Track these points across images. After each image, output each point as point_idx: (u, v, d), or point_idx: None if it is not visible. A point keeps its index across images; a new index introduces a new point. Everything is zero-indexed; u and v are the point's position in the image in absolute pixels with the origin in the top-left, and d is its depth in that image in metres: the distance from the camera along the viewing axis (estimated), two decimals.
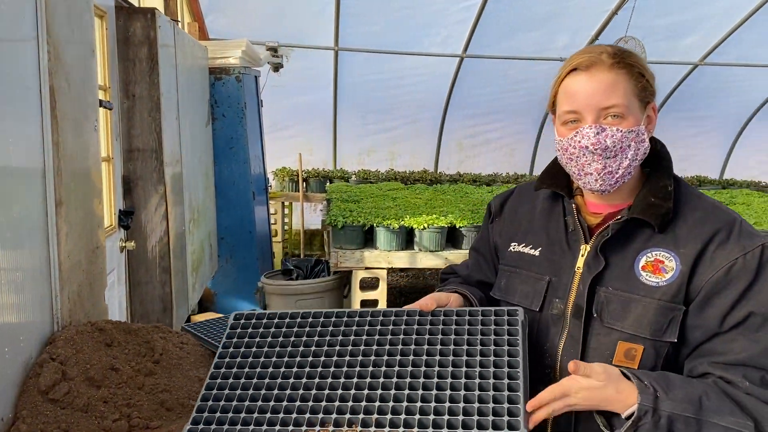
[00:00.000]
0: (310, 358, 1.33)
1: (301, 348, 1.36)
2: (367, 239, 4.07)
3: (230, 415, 1.28)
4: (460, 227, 3.92)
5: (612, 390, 1.10)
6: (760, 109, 8.56)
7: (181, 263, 3.56)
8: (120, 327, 1.85)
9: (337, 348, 1.33)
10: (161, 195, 3.26)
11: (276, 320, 1.49)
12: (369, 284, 4.00)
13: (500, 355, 1.21)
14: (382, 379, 1.23)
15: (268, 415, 1.24)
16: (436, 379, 1.20)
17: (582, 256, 1.30)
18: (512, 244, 1.47)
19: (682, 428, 1.08)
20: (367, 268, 3.85)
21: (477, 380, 1.17)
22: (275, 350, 1.39)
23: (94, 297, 2.04)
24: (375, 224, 3.88)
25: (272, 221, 6.90)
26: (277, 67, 6.73)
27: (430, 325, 1.33)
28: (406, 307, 1.40)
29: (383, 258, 3.85)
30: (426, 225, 3.81)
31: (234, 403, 1.31)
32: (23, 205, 1.54)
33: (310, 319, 1.44)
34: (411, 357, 1.27)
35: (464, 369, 1.20)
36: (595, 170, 1.24)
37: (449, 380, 1.19)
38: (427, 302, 1.37)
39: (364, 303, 3.91)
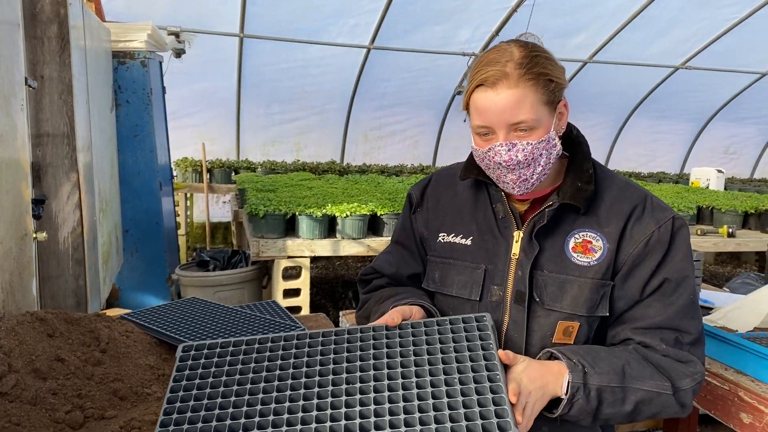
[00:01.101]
0: (275, 383, 1.23)
1: (264, 373, 1.26)
2: (288, 228, 4.04)
3: None
4: (381, 215, 3.99)
5: (550, 375, 1.17)
6: (639, 105, 9.27)
7: (94, 255, 3.38)
8: (61, 316, 1.76)
9: (304, 369, 1.24)
10: (74, 183, 3.07)
11: (230, 348, 1.37)
12: (291, 274, 3.98)
13: (476, 360, 1.19)
14: (358, 396, 1.15)
15: None
16: (416, 390, 1.15)
17: (516, 242, 1.34)
18: (441, 234, 1.47)
19: (609, 398, 1.16)
20: (289, 257, 3.83)
21: (458, 386, 1.14)
22: (234, 378, 1.28)
23: (23, 287, 1.92)
24: (297, 213, 3.86)
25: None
26: (179, 53, 6.47)
27: (400, 338, 1.28)
28: (372, 324, 1.34)
29: (306, 246, 3.85)
30: (348, 213, 3.84)
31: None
32: None
33: (269, 344, 1.34)
34: (386, 371, 1.20)
35: (443, 377, 1.16)
36: (510, 180, 1.28)
37: (430, 389, 1.15)
38: (393, 316, 1.31)
39: (287, 292, 3.89)
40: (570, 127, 1.38)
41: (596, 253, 1.27)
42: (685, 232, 1.27)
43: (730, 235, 4.84)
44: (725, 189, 6.99)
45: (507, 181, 1.29)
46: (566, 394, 1.15)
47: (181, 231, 7.15)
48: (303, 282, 3.87)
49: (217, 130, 8.03)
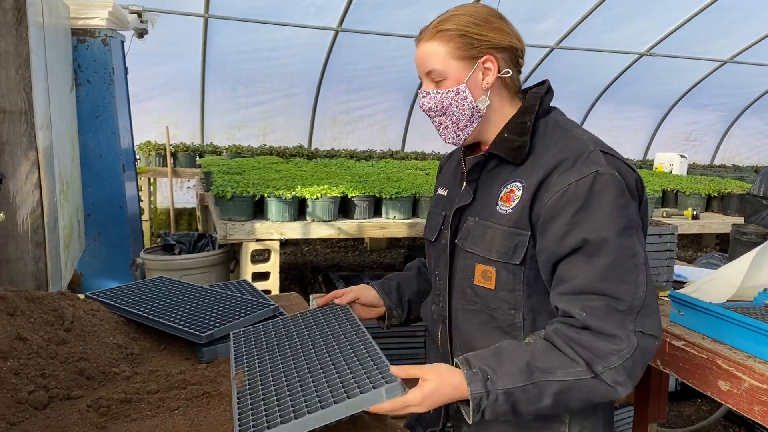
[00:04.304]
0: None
1: None
2: (257, 211, 3.96)
3: None
4: (352, 197, 3.94)
5: (448, 388, 1.15)
6: (605, 92, 9.39)
7: (54, 238, 3.26)
8: (22, 295, 1.68)
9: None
10: (33, 162, 2.95)
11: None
12: (260, 258, 3.91)
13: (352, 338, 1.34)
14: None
15: None
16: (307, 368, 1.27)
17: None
18: (436, 191, 1.63)
19: (522, 397, 1.13)
20: (258, 240, 3.76)
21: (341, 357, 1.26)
22: None
23: None
24: (266, 194, 3.79)
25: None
26: (141, 33, 6.28)
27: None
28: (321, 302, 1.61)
29: (275, 229, 3.78)
30: (319, 195, 3.78)
31: None
32: None
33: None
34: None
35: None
36: (436, 127, 1.38)
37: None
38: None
39: (256, 276, 3.82)
40: (524, 92, 1.41)
41: (513, 201, 1.29)
42: (612, 189, 1.17)
43: (695, 218, 4.93)
44: (688, 174, 7.13)
45: (436, 128, 1.40)
46: (471, 404, 1.14)
47: (145, 216, 6.99)
48: (272, 265, 3.81)
49: (181, 113, 7.86)
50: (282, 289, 4.15)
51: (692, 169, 8.65)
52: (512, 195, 1.29)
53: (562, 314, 1.21)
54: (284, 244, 7.40)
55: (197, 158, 7.11)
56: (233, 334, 1.60)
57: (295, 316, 1.62)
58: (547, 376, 1.13)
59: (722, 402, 1.41)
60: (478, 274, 1.34)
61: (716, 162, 10.92)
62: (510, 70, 1.34)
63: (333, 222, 3.86)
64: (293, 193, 3.80)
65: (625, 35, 8.11)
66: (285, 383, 1.21)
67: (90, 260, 4.80)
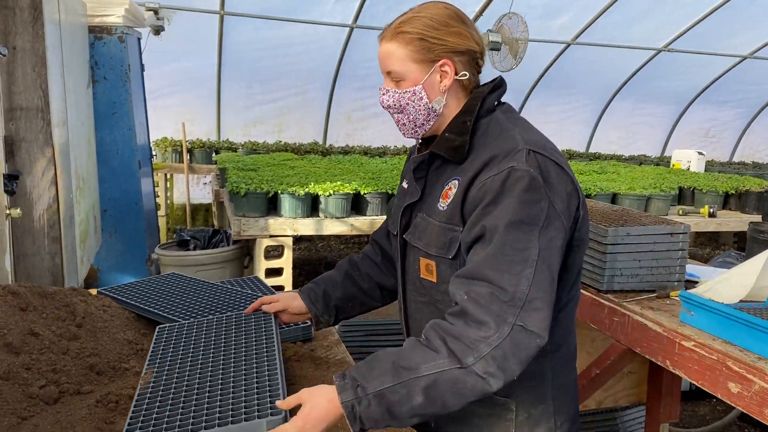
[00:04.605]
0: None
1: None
2: (270, 207, 3.98)
3: None
4: (364, 194, 3.95)
5: (323, 404, 1.15)
6: (621, 88, 9.29)
7: (71, 233, 3.30)
8: (35, 290, 1.71)
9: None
10: (49, 158, 2.99)
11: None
12: (273, 254, 3.93)
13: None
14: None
15: None
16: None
17: None
18: (402, 182, 1.64)
19: (393, 398, 1.13)
20: (271, 236, 3.78)
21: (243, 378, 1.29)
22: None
23: None
24: (279, 191, 3.81)
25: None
26: (158, 30, 6.33)
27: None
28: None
29: (288, 225, 3.80)
30: (332, 191, 3.79)
31: None
32: None
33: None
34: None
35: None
36: (395, 122, 1.42)
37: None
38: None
39: (269, 271, 3.84)
40: (472, 93, 1.40)
41: (449, 198, 1.32)
42: (521, 185, 1.19)
43: (711, 215, 4.88)
44: (705, 171, 7.04)
45: (395, 124, 1.44)
46: (345, 413, 1.15)
47: (161, 212, 7.05)
48: (285, 261, 3.83)
49: (197, 110, 7.90)
50: (295, 285, 4.16)
51: (710, 166, 8.54)
52: (449, 192, 1.33)
53: (451, 300, 1.23)
54: (298, 240, 7.43)
55: (213, 154, 7.15)
56: (158, 328, 1.60)
57: (220, 319, 1.62)
58: (412, 374, 1.13)
59: (732, 405, 1.39)
60: (422, 268, 1.39)
61: (735, 159, 10.77)
62: (467, 73, 1.36)
63: (346, 218, 3.87)
64: (306, 189, 3.81)
65: (643, 31, 8.01)
66: (184, 393, 1.25)
67: (106, 255, 4.85)
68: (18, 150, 2.89)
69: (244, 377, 1.28)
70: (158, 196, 7.09)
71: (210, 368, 1.34)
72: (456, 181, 1.32)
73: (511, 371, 1.13)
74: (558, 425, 1.37)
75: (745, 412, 1.36)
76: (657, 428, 2.40)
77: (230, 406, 1.17)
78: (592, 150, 9.91)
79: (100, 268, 4.87)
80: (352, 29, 7.28)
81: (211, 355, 1.41)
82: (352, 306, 1.67)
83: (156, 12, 6.13)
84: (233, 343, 1.46)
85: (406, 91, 1.35)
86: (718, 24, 7.81)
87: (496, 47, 6.37)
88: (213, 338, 1.50)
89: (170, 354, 1.44)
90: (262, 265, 3.80)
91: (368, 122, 8.61)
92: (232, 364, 1.34)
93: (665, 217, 2.24)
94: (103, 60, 4.61)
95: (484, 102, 1.36)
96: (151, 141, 6.08)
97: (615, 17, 7.63)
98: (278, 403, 1.15)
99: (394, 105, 1.38)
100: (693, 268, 2.16)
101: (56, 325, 1.65)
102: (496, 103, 1.39)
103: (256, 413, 1.13)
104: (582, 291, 1.91)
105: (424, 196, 1.41)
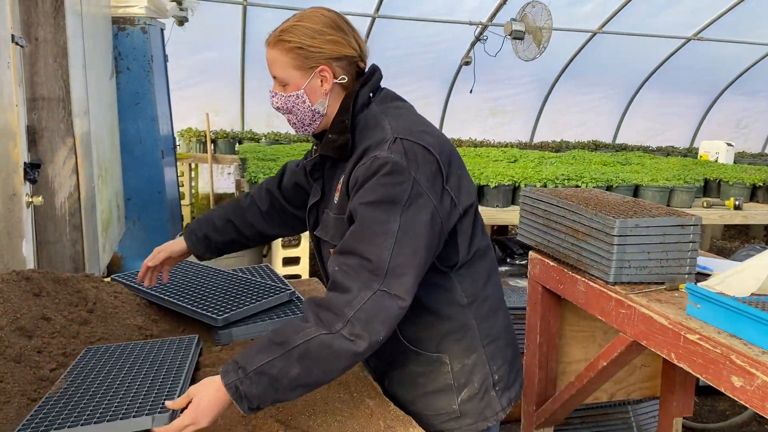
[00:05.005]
0: None
1: None
2: None
3: None
4: None
5: (210, 393, 1.21)
6: (649, 78, 9.12)
7: (92, 221, 3.36)
8: (48, 276, 1.75)
9: None
10: (70, 148, 3.04)
11: None
12: (291, 243, 3.96)
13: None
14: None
15: None
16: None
17: None
18: None
19: (273, 372, 1.19)
20: None
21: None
22: None
23: (12, 247, 1.91)
24: None
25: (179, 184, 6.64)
26: (181, 21, 6.39)
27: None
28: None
29: None
30: None
31: None
32: None
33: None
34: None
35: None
36: (287, 120, 1.50)
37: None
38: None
39: (286, 260, 3.87)
40: (349, 95, 1.45)
41: (339, 193, 1.43)
42: (382, 170, 1.29)
43: (737, 208, 4.78)
44: (735, 163, 6.89)
45: (287, 122, 1.52)
46: (230, 395, 1.21)
47: (186, 201, 7.15)
48: (302, 250, 3.86)
49: (221, 101, 7.97)
50: (312, 274, 4.19)
51: (741, 157, 8.35)
52: (339, 187, 1.43)
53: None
54: None
55: (237, 145, 7.21)
56: (86, 349, 1.63)
57: (146, 344, 1.65)
58: (286, 346, 1.20)
59: (735, 398, 1.37)
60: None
61: None
62: (345, 76, 1.44)
63: None
64: None
65: (672, 19, 7.84)
66: (88, 396, 1.33)
67: (130, 243, 4.94)
68: (40, 139, 2.95)
69: (147, 387, 1.37)
70: (182, 186, 7.18)
71: (118, 384, 1.41)
72: (344, 176, 1.41)
73: (375, 332, 1.22)
74: (494, 370, 1.49)
75: (747, 406, 1.34)
76: (670, 422, 2.37)
77: (125, 407, 1.26)
78: (618, 141, 9.76)
79: (124, 256, 4.96)
80: (374, 19, 7.26)
81: (125, 373, 1.47)
82: (233, 248, 1.79)
83: (179, 3, 6.19)
84: (149, 364, 1.51)
85: (291, 95, 1.44)
86: (751, 12, 7.61)
87: (519, 36, 6.32)
88: (134, 358, 1.55)
89: (87, 370, 1.48)
90: (279, 254, 3.84)
91: None
92: (140, 379, 1.42)
93: (676, 209, 2.20)
94: (126, 51, 4.67)
95: (357, 98, 1.43)
96: (175, 131, 6.15)
97: (642, 5, 7.48)
98: (168, 403, 1.23)
99: (283, 107, 1.46)
100: (707, 261, 2.12)
101: (68, 310, 1.69)
102: (371, 94, 1.46)
103: (146, 411, 1.22)
104: (589, 282, 1.89)
105: (324, 194, 1.51)
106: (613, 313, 1.78)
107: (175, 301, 1.80)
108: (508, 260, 6.12)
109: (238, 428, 1.29)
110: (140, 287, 1.88)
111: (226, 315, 1.71)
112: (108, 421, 1.20)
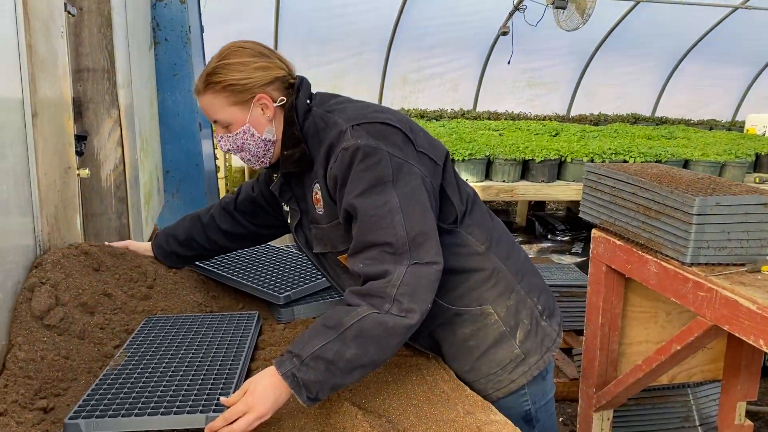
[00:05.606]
0: None
1: None
2: None
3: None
4: None
5: (265, 383, 1.18)
6: (692, 49, 8.82)
7: (136, 194, 3.35)
8: (106, 250, 1.72)
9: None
10: (115, 119, 3.02)
11: None
12: None
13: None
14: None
15: None
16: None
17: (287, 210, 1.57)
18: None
19: (329, 355, 1.17)
20: None
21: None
22: None
23: (68, 221, 1.88)
24: None
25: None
26: None
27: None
28: None
29: None
30: None
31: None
32: (3, 110, 1.36)
33: None
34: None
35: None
36: (240, 158, 1.49)
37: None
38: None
39: None
40: (289, 102, 1.44)
41: (321, 202, 1.41)
42: (356, 157, 1.29)
43: None
44: None
45: (242, 160, 1.52)
46: (289, 384, 1.18)
47: (220, 174, 7.14)
48: None
49: None
50: None
51: None
52: (318, 196, 1.41)
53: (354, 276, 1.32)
54: None
55: None
56: (146, 318, 1.60)
57: (206, 317, 1.62)
58: (338, 329, 1.19)
59: None
60: (343, 261, 1.44)
61: None
62: (284, 98, 1.42)
63: None
64: None
65: None
66: (143, 380, 1.29)
67: (168, 216, 4.94)
68: (85, 111, 2.93)
69: (204, 375, 1.32)
70: (217, 158, 7.17)
71: (177, 362, 1.38)
72: (317, 185, 1.41)
73: (423, 301, 1.23)
74: (536, 301, 1.49)
75: None
76: (733, 406, 2.29)
77: (179, 398, 1.21)
78: (658, 114, 9.50)
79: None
80: None
81: (184, 350, 1.43)
82: (202, 258, 1.83)
83: None
84: (209, 342, 1.47)
85: (238, 133, 1.42)
86: None
87: (561, 5, 6.11)
88: (193, 335, 1.51)
89: (146, 343, 1.46)
90: None
91: (424, 84, 8.45)
92: (198, 362, 1.38)
93: (758, 185, 2.09)
94: (164, 22, 4.62)
95: (297, 109, 1.42)
96: None
97: None
98: (223, 399, 1.20)
99: (233, 147, 1.45)
100: None
101: (128, 286, 1.66)
102: (308, 101, 1.44)
103: (201, 407, 1.18)
104: (663, 263, 1.81)
105: (303, 211, 1.50)
106: (690, 295, 1.69)
107: (235, 278, 1.76)
108: (549, 236, 6.03)
109: (313, 410, 1.25)
110: (202, 264, 1.85)
111: (287, 293, 1.67)
112: (162, 414, 1.17)
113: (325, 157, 1.37)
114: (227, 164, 7.54)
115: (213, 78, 1.41)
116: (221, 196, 5.88)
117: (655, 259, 1.84)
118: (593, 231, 2.17)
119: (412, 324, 1.21)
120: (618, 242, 2.02)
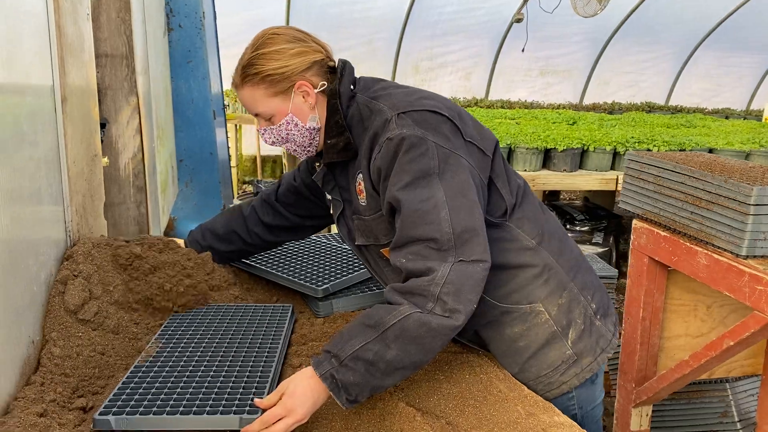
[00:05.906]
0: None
1: None
2: None
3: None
4: None
5: (303, 383, 1.13)
6: (707, 37, 8.69)
7: (154, 183, 3.29)
8: (135, 242, 1.65)
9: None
10: (134, 107, 2.94)
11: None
12: None
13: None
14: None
15: None
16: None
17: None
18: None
19: (369, 355, 1.13)
20: None
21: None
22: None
23: (95, 211, 1.82)
24: None
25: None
26: None
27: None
28: None
29: None
30: None
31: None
32: (35, 95, 1.29)
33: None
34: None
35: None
36: (286, 150, 1.46)
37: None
38: None
39: None
40: (329, 92, 1.39)
41: (364, 193, 1.36)
42: (401, 148, 1.23)
43: None
44: None
45: (288, 152, 1.49)
46: (327, 385, 1.14)
47: (232, 163, 7.07)
48: None
49: None
50: None
51: None
52: (361, 187, 1.37)
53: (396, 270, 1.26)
54: None
55: None
56: (173, 315, 1.54)
57: (239, 308, 1.58)
58: (379, 328, 1.14)
59: None
60: (386, 254, 1.39)
61: None
62: (325, 82, 1.38)
63: None
64: None
65: None
66: (176, 374, 1.24)
67: (182, 205, 4.87)
68: (104, 98, 2.85)
69: (237, 371, 1.27)
70: (230, 147, 7.10)
71: (209, 356, 1.33)
72: (360, 175, 1.36)
73: (468, 301, 1.16)
74: (589, 299, 1.41)
75: None
76: None
77: (212, 397, 1.16)
78: (672, 102, 9.39)
79: (177, 218, 4.92)
80: None
81: (216, 343, 1.38)
82: (236, 257, 1.76)
83: None
84: (242, 334, 1.43)
85: (281, 124, 1.39)
86: None
87: None
88: (225, 326, 1.47)
89: (179, 333, 1.42)
90: None
91: (437, 72, 8.35)
92: (231, 356, 1.33)
93: None
94: (178, 7, 4.54)
95: (340, 96, 1.37)
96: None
97: None
98: (257, 401, 1.14)
99: (278, 139, 1.42)
100: None
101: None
102: (352, 87, 1.40)
103: (234, 408, 1.13)
104: (715, 255, 1.74)
105: (346, 202, 1.45)
106: (746, 289, 1.62)
107: (272, 270, 1.70)
108: (567, 226, 5.94)
109: (365, 411, 1.19)
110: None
111: (326, 285, 1.61)
112: (194, 414, 1.11)
113: (369, 146, 1.32)
114: (238, 153, 7.47)
115: (250, 70, 1.36)
116: (234, 186, 5.82)
117: (706, 251, 1.76)
118: (634, 221, 2.10)
119: (457, 325, 1.16)
120: (663, 233, 1.95)
